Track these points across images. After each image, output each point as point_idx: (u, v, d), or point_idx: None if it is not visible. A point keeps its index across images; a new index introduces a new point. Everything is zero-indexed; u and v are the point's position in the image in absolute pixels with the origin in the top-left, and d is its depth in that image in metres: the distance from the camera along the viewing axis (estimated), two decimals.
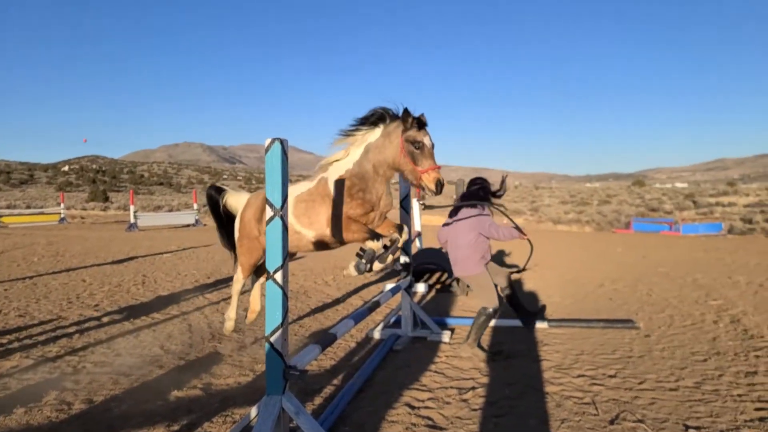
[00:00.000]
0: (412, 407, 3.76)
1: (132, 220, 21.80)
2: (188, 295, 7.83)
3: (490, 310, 4.99)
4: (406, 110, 3.77)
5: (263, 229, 4.04)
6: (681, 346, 5.14)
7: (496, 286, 5.16)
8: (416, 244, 10.16)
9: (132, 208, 22.32)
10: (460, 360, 4.82)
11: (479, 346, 5.00)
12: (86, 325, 6.04)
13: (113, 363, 4.74)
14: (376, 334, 5.49)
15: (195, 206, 26.35)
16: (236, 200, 4.97)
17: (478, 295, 5.11)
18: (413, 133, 3.74)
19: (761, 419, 3.52)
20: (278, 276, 2.87)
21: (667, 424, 3.46)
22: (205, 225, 25.00)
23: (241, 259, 4.77)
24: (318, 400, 3.90)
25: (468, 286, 7.46)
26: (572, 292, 8.16)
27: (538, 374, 4.43)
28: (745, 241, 16.76)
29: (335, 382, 4.28)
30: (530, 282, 9.10)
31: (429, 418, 3.59)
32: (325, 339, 3.52)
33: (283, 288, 2.90)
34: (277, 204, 2.85)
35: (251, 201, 4.65)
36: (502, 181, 5.28)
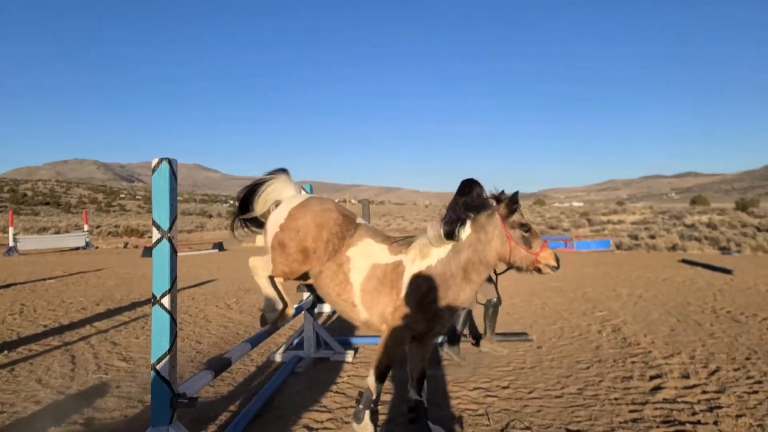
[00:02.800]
0: (311, 429, 3.71)
1: (11, 244, 19.96)
2: (73, 324, 7.25)
3: (495, 300, 5.41)
4: (515, 195, 3.33)
5: (323, 254, 3.42)
6: (568, 356, 5.48)
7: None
8: None
9: (11, 230, 20.41)
10: (362, 379, 4.83)
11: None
12: None
13: None
14: (278, 357, 5.37)
15: (86, 228, 24.51)
16: (285, 188, 3.83)
17: (480, 292, 5.38)
18: (517, 217, 3.33)
19: (634, 420, 3.83)
20: (165, 301, 2.76)
21: (551, 429, 3.68)
22: (96, 248, 23.38)
23: (277, 263, 3.55)
24: (212, 428, 3.74)
25: None
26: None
27: (437, 389, 4.54)
28: (630, 256, 18.24)
29: (232, 408, 4.13)
30: None
31: None
32: (218, 364, 3.40)
33: (171, 313, 2.79)
34: (165, 226, 2.74)
35: (313, 205, 3.55)
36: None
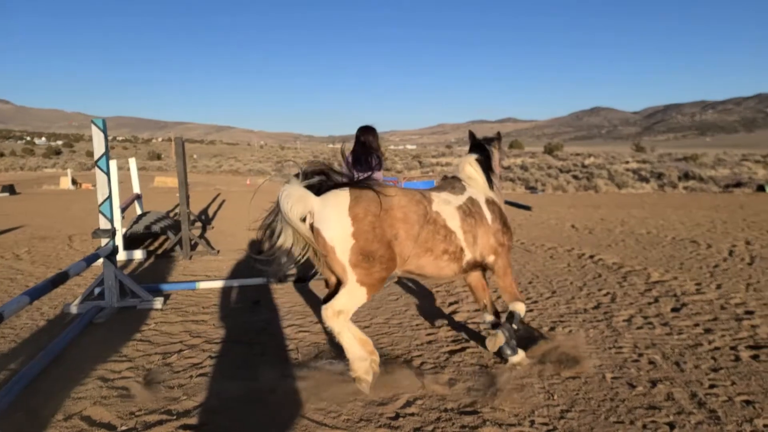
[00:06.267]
0: (106, 380, 3.50)
1: None
2: None
3: None
4: (499, 134, 4.22)
5: (402, 231, 3.20)
6: (381, 290, 5.82)
7: None
8: (136, 208, 9.40)
9: None
10: (171, 325, 4.65)
11: None
12: None
13: None
14: (74, 309, 4.88)
15: None
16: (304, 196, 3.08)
17: None
18: (502, 155, 4.17)
19: (429, 342, 4.24)
20: None
21: None
22: None
23: (373, 273, 3.12)
24: None
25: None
26: None
27: (248, 329, 4.54)
28: None
29: (13, 366, 3.72)
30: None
31: (124, 388, 3.38)
32: None
33: None
34: None
35: (369, 195, 3.14)
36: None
